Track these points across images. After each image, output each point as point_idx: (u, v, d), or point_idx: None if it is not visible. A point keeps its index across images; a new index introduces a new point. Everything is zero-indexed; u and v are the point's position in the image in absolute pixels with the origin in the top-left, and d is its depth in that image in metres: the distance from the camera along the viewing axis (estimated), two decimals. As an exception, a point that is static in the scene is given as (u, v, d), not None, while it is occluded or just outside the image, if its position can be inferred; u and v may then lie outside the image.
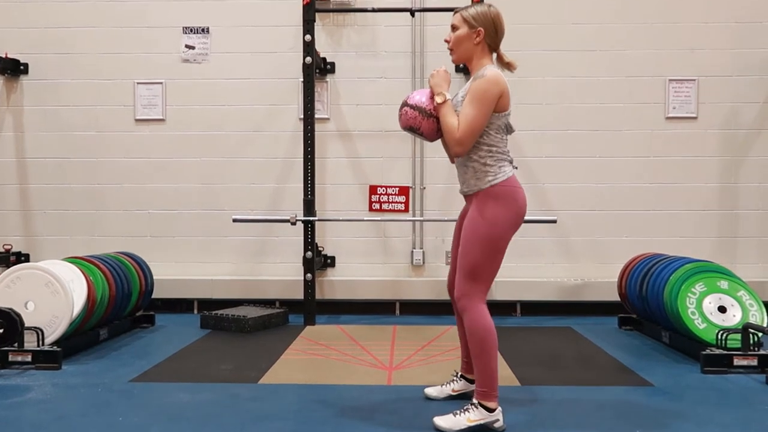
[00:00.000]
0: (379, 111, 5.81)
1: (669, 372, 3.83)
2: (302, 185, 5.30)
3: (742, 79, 5.73)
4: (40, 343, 3.86)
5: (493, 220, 2.87)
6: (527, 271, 5.69)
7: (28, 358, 3.82)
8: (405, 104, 3.04)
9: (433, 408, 3.12)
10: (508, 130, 3.00)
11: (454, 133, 2.86)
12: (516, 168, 3.00)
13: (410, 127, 3.03)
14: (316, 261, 5.36)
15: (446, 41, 3.10)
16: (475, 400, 2.89)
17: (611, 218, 5.78)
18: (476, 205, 2.92)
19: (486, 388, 2.86)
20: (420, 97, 3.01)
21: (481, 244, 2.87)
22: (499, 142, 2.94)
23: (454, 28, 3.05)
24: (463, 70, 5.73)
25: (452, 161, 3.15)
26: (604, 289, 5.55)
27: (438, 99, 2.94)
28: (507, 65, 3.03)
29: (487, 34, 2.98)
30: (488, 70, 2.91)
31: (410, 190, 5.78)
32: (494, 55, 3.04)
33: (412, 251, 5.80)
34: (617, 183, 5.78)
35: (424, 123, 2.98)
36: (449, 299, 5.35)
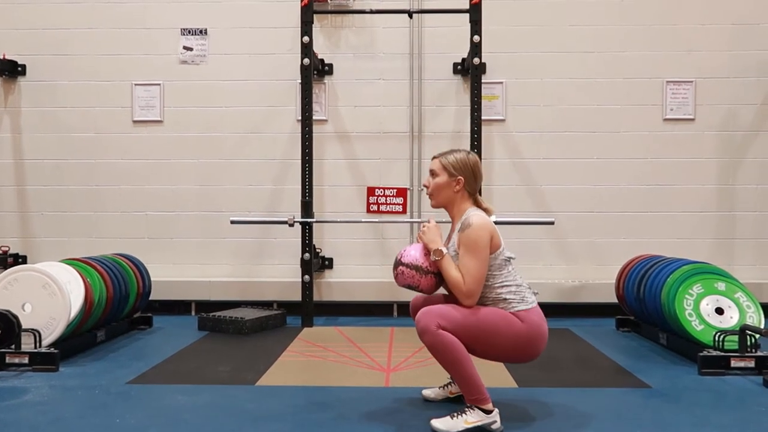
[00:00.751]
0: (377, 112, 5.82)
1: (666, 373, 3.83)
2: (300, 187, 5.30)
3: (740, 81, 5.74)
4: (38, 344, 3.85)
5: (501, 325, 2.88)
6: (525, 272, 5.61)
7: (25, 360, 3.81)
8: (399, 263, 3.04)
9: (431, 410, 3.12)
10: (509, 261, 3.01)
11: (461, 287, 2.88)
12: (536, 293, 3.04)
13: (408, 286, 3.05)
14: (314, 262, 5.36)
15: (425, 186, 3.15)
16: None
17: (609, 220, 5.79)
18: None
19: (475, 395, 2.85)
20: (415, 254, 3.02)
21: (471, 320, 2.86)
22: (507, 276, 2.97)
23: (433, 173, 3.10)
24: (461, 71, 5.75)
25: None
26: (601, 290, 5.56)
27: (435, 256, 2.95)
28: (485, 211, 3.07)
29: (466, 182, 3.05)
30: (472, 218, 2.94)
31: (408, 192, 5.76)
32: (473, 199, 3.09)
33: (410, 253, 5.79)
34: (615, 184, 5.79)
35: (422, 281, 3.00)
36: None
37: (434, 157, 3.13)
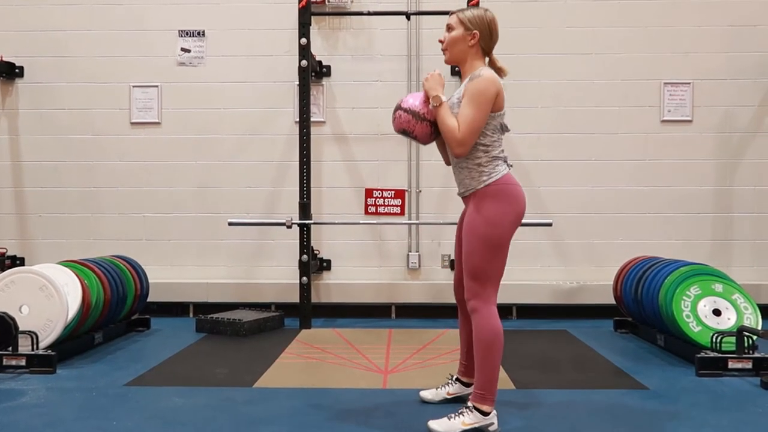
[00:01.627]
0: (375, 114, 5.82)
1: (664, 375, 3.83)
2: (298, 188, 5.30)
3: (737, 83, 5.75)
4: (35, 347, 3.85)
5: (492, 219, 2.87)
6: (523, 274, 5.70)
7: (23, 362, 3.81)
8: (398, 108, 3.05)
9: (429, 411, 3.12)
10: (503, 129, 3.01)
11: (455, 134, 2.86)
12: (511, 166, 3.00)
13: (404, 130, 3.04)
14: (312, 264, 5.36)
15: (440, 41, 3.10)
16: (470, 404, 2.89)
17: (607, 221, 5.79)
18: (474, 205, 2.93)
19: (484, 392, 2.86)
20: (414, 101, 3.02)
21: (483, 244, 2.87)
22: (495, 142, 2.95)
23: (449, 28, 3.05)
24: (458, 73, 5.74)
25: (447, 163, 3.16)
26: (599, 292, 5.57)
27: (434, 102, 2.94)
28: (498, 70, 3.03)
29: (482, 38, 2.99)
30: (484, 71, 2.92)
31: (406, 194, 5.78)
32: (487, 59, 3.05)
33: (408, 254, 5.80)
34: (613, 186, 5.79)
35: (417, 126, 2.99)
36: (444, 303, 5.36)
37: (451, 13, 3.08)
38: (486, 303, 2.88)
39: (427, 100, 2.99)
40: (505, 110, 2.97)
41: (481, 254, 2.87)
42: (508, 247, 2.94)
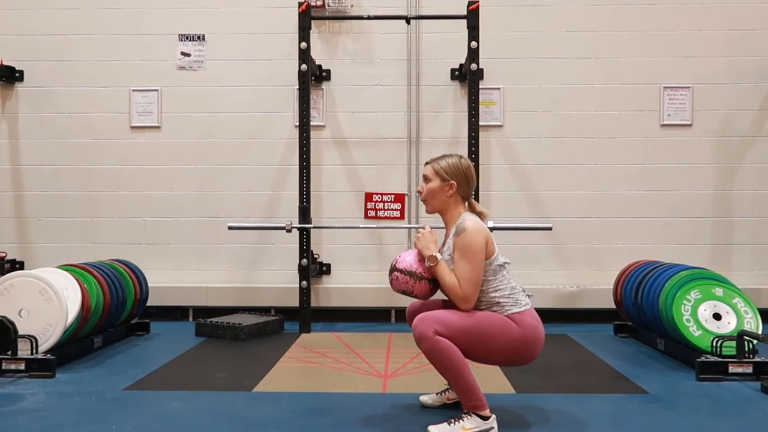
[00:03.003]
0: (374, 118, 5.82)
1: (664, 379, 3.83)
2: (297, 192, 5.30)
3: (737, 87, 5.75)
4: (34, 351, 3.84)
5: (497, 329, 2.89)
6: (522, 278, 5.66)
7: (22, 366, 3.80)
8: (394, 269, 3.06)
9: (428, 416, 3.11)
10: (504, 267, 3.01)
11: (457, 291, 2.89)
12: (531, 296, 3.04)
13: (403, 291, 3.06)
14: (312, 268, 5.35)
15: (419, 192, 3.17)
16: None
17: (606, 225, 5.79)
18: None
19: (473, 401, 2.85)
20: (409, 261, 3.04)
21: (468, 325, 2.86)
22: (502, 280, 2.97)
23: (426, 179, 3.11)
24: (458, 77, 5.76)
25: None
26: (599, 296, 5.56)
27: (430, 262, 2.97)
28: (480, 215, 3.08)
29: (459, 187, 3.06)
30: (467, 222, 2.94)
31: (406, 198, 5.78)
32: (467, 203, 3.10)
33: (408, 258, 5.78)
34: (612, 190, 5.79)
35: (416, 286, 3.02)
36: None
37: (427, 163, 3.15)
38: (426, 331, 2.82)
39: (421, 258, 3.02)
40: (497, 252, 2.98)
41: (457, 321, 2.87)
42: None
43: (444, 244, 3.10)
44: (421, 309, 3.13)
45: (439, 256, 2.98)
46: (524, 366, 4.06)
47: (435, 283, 3.03)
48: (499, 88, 5.78)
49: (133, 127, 5.90)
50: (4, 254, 5.74)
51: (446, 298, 3.09)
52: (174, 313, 5.77)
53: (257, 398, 3.46)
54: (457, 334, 2.82)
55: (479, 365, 3.04)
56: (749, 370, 3.75)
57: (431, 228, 3.10)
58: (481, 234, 2.91)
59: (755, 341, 3.83)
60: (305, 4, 5.25)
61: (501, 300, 2.94)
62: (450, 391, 3.31)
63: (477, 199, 4.87)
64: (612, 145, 5.79)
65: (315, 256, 5.67)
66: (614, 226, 5.79)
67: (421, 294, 3.05)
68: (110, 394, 3.50)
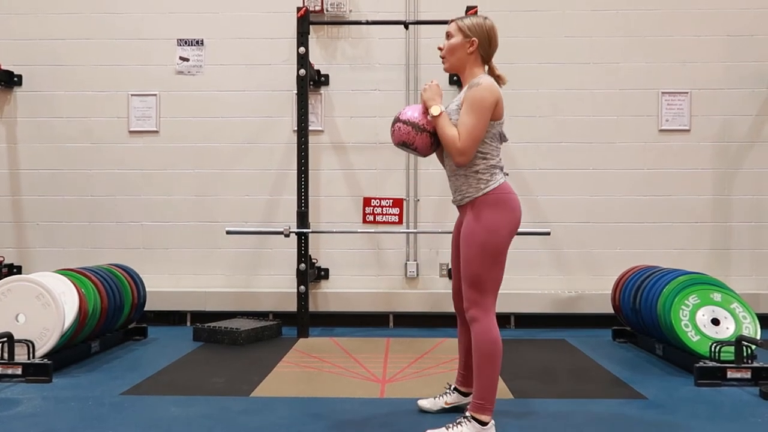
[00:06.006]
0: (373, 123, 5.82)
1: (662, 385, 3.82)
2: (296, 197, 5.29)
3: (735, 92, 5.76)
4: (31, 355, 3.83)
5: (490, 227, 2.86)
6: (521, 283, 5.69)
7: (18, 371, 3.79)
8: (397, 120, 3.04)
9: (426, 421, 3.11)
10: (502, 138, 3.01)
11: (455, 142, 2.86)
12: (507, 174, 3.00)
13: (403, 143, 3.03)
14: (310, 273, 5.34)
15: (439, 48, 3.12)
16: (468, 414, 2.88)
17: (605, 230, 5.79)
18: (471, 213, 2.92)
19: (483, 401, 2.84)
20: (412, 113, 3.02)
21: (482, 252, 2.86)
22: (493, 151, 2.95)
23: (448, 35, 3.07)
24: (457, 82, 5.76)
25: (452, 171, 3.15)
26: (598, 301, 5.56)
27: (433, 111, 2.94)
28: (498, 78, 3.04)
29: (480, 45, 3.00)
30: (483, 79, 2.93)
31: (404, 202, 5.77)
32: (486, 66, 3.06)
33: (406, 263, 5.79)
34: (611, 195, 5.79)
35: (417, 138, 2.99)
36: (443, 312, 5.35)
37: (451, 21, 3.09)
38: (485, 312, 2.87)
39: (425, 111, 2.99)
40: (504, 119, 2.97)
41: (479, 262, 2.86)
42: (506, 256, 2.93)
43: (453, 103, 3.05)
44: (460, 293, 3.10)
45: (442, 107, 2.95)
46: (523, 371, 4.09)
47: (436, 138, 2.99)
48: (497, 93, 5.78)
49: (131, 132, 5.90)
50: (1, 258, 5.73)
51: (442, 157, 3.10)
52: (172, 318, 5.76)
53: (255, 403, 3.45)
54: (492, 280, 2.87)
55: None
56: (748, 375, 3.75)
57: (438, 83, 3.05)
58: (493, 93, 2.88)
59: (754, 346, 3.83)
60: (304, 9, 5.25)
61: (480, 170, 2.91)
62: (449, 395, 3.30)
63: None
64: (610, 150, 5.80)
65: (313, 260, 5.66)
66: (612, 231, 5.79)
67: (422, 146, 3.01)
68: (107, 399, 3.49)
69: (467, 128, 2.85)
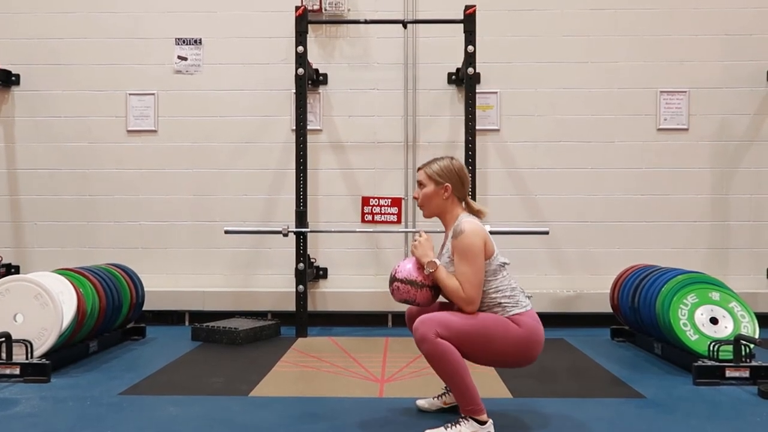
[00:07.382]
0: (371, 122, 5.82)
1: (661, 384, 3.82)
2: (294, 196, 5.29)
3: (733, 91, 5.76)
4: (29, 355, 3.82)
5: (504, 327, 2.88)
6: (520, 282, 5.66)
7: (17, 371, 3.78)
8: (394, 279, 3.05)
9: (425, 420, 3.10)
10: (503, 267, 3.02)
11: (460, 294, 2.88)
12: (530, 297, 3.04)
13: (405, 300, 3.06)
14: (308, 272, 5.34)
15: (415, 197, 3.17)
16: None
17: (603, 229, 5.79)
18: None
19: (471, 406, 2.84)
20: (409, 270, 3.03)
21: (469, 326, 2.85)
22: (502, 281, 2.97)
23: (420, 184, 3.12)
24: (455, 81, 5.76)
25: None
26: (596, 300, 5.55)
27: (429, 268, 2.96)
28: (477, 213, 3.09)
29: (454, 188, 3.06)
30: (464, 224, 2.94)
31: (403, 202, 5.77)
32: (463, 203, 3.11)
33: (405, 263, 5.78)
34: (609, 194, 5.79)
35: (419, 294, 3.01)
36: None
37: (419, 168, 3.16)
38: (428, 332, 2.82)
39: (420, 266, 3.01)
40: (497, 251, 2.98)
41: (460, 322, 2.86)
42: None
43: (443, 246, 3.10)
44: (420, 312, 3.12)
45: (437, 261, 2.97)
46: (521, 370, 4.06)
47: (436, 290, 3.02)
48: (495, 92, 5.79)
49: (129, 131, 5.89)
50: (-1, 258, 5.73)
51: (445, 300, 3.09)
52: (170, 318, 5.75)
53: (253, 403, 3.45)
54: (458, 336, 2.81)
55: (476, 367, 3.03)
56: (746, 374, 3.75)
57: (427, 234, 3.09)
58: (478, 235, 2.91)
59: (752, 345, 3.83)
60: (302, 8, 5.25)
61: (502, 301, 2.93)
62: (447, 395, 3.30)
63: (474, 197, 4.87)
64: (608, 149, 5.80)
65: (312, 260, 5.66)
66: (611, 230, 5.79)
67: (423, 301, 3.04)
68: (105, 399, 3.49)
69: (466, 277, 2.87)
